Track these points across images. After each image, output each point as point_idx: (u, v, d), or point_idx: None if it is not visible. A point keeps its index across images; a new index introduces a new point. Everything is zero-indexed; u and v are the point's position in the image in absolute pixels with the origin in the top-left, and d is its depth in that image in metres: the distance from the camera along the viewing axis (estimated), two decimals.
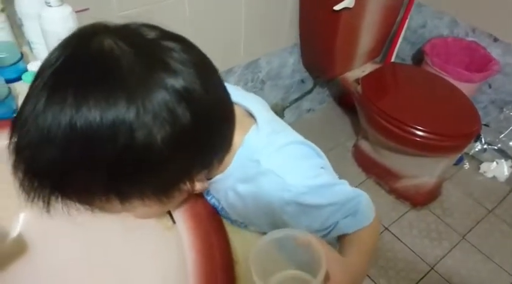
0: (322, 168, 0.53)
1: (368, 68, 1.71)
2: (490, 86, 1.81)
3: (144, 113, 0.37)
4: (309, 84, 1.91)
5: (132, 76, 0.37)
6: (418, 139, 1.42)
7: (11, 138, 0.40)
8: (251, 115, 0.53)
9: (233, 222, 0.62)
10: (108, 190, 0.41)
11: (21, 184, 0.40)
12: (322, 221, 0.52)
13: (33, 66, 0.79)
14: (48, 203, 0.41)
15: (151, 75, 0.38)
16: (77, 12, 0.75)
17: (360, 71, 1.69)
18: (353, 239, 0.53)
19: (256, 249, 0.43)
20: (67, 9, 0.72)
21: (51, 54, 0.39)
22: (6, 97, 0.70)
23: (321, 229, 0.53)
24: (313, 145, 0.54)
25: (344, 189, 0.54)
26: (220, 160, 0.50)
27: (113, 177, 0.39)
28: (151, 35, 0.41)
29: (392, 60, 1.87)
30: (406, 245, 1.56)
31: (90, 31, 0.40)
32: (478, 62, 1.74)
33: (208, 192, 0.62)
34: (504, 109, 1.79)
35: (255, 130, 0.51)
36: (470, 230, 1.62)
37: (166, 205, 0.50)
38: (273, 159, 0.50)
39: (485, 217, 1.66)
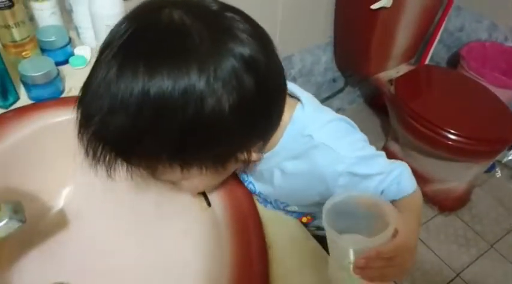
0: (365, 141, 0.56)
1: (402, 69, 1.69)
2: None
3: (215, 81, 0.38)
4: (340, 83, 1.90)
5: (203, 46, 0.39)
6: (450, 142, 1.40)
7: (79, 104, 0.42)
8: (292, 96, 0.55)
9: (271, 203, 0.63)
10: (174, 157, 0.43)
11: (87, 150, 0.43)
12: (371, 191, 0.54)
13: (80, 51, 0.82)
14: (112, 168, 0.44)
15: (221, 44, 0.40)
16: None
17: (394, 71, 1.68)
18: (401, 204, 0.54)
19: (326, 211, 0.45)
20: None
21: (118, 26, 0.41)
22: (55, 78, 0.73)
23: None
24: (352, 121, 0.57)
25: (386, 160, 0.56)
26: (274, 132, 0.51)
27: (180, 145, 0.41)
28: (215, 7, 0.43)
29: (427, 62, 1.84)
30: (432, 250, 1.53)
31: (157, 4, 0.41)
32: None
33: (244, 177, 0.63)
34: None
35: (301, 108, 0.53)
36: (499, 239, 1.58)
37: (219, 175, 0.52)
38: (324, 133, 0.52)
39: None
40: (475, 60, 1.69)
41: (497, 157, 1.57)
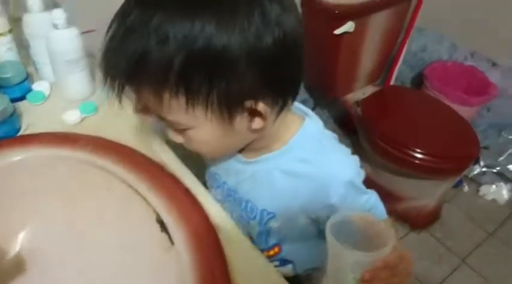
0: None
1: (369, 90, 1.73)
2: (488, 110, 1.82)
3: (235, 17, 0.43)
4: (310, 105, 1.93)
5: None
6: (417, 161, 1.42)
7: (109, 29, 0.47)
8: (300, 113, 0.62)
9: (252, 219, 0.64)
10: (180, 79, 0.45)
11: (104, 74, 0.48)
12: (360, 207, 0.58)
13: (38, 86, 0.80)
14: (122, 91, 0.48)
15: None
16: (84, 33, 0.76)
17: (360, 93, 1.71)
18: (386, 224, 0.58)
19: (329, 226, 0.47)
20: (74, 31, 0.73)
21: None
22: (11, 116, 0.71)
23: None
24: None
25: None
26: (281, 110, 0.53)
27: (187, 66, 0.43)
28: None
29: (392, 83, 1.89)
30: None
31: None
32: (477, 86, 1.76)
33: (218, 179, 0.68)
34: (502, 133, 1.80)
35: (310, 120, 0.60)
36: (470, 253, 1.60)
37: (225, 131, 0.52)
38: (332, 142, 0.60)
39: (486, 240, 1.65)
40: (437, 79, 1.74)
41: (464, 172, 1.61)
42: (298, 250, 0.70)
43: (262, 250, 0.67)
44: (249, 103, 0.49)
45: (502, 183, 1.79)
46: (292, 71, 0.51)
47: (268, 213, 0.63)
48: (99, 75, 0.88)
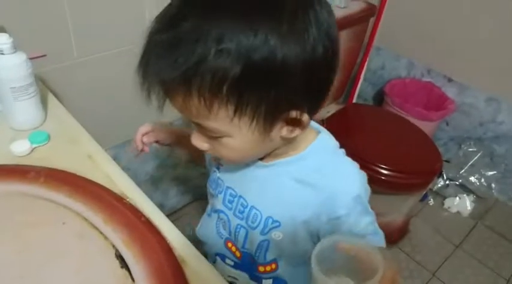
0: None
1: (332, 109, 1.74)
2: (447, 124, 1.88)
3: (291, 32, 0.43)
4: None
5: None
6: (383, 177, 1.43)
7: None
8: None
9: (254, 228, 0.63)
10: (233, 90, 0.44)
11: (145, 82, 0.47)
12: (362, 227, 0.57)
13: None
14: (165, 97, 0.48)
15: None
16: (33, 58, 0.72)
17: (324, 111, 1.72)
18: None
19: (315, 255, 0.44)
20: (21, 57, 0.69)
21: None
22: None
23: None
24: None
25: None
26: (319, 107, 0.53)
27: (243, 77, 0.42)
28: None
29: (354, 100, 1.93)
30: None
31: None
32: (435, 101, 1.82)
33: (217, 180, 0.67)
34: (462, 146, 1.85)
35: (324, 133, 0.62)
36: (439, 266, 1.62)
37: (261, 138, 0.51)
38: (345, 157, 0.61)
39: (453, 252, 1.68)
40: (397, 96, 1.79)
41: (429, 186, 1.64)
42: (295, 272, 0.68)
43: (258, 265, 0.67)
44: (294, 114, 0.49)
45: (464, 195, 1.83)
46: (332, 79, 0.51)
47: (273, 221, 0.61)
48: (50, 101, 0.83)
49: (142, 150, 0.77)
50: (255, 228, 0.62)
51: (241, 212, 0.64)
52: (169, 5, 0.47)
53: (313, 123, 0.62)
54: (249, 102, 0.45)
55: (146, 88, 0.48)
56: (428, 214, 1.83)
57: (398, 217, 1.64)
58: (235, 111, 0.46)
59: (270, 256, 0.66)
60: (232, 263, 0.73)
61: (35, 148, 0.72)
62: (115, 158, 0.84)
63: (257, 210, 0.62)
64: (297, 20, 0.44)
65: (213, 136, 0.51)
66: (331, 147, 0.62)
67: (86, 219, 0.61)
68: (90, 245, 0.59)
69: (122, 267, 0.56)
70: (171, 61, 0.43)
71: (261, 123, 0.48)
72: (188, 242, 0.60)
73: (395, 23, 1.79)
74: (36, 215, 0.63)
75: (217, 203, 0.68)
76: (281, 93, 0.46)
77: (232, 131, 0.49)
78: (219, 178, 0.68)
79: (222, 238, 0.70)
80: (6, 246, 0.59)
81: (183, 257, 0.58)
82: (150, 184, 1.49)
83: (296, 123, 0.51)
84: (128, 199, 0.64)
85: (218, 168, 0.69)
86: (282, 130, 0.52)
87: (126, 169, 0.75)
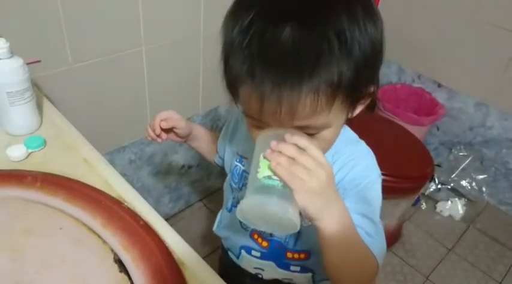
0: None
1: None
2: (438, 129, 1.91)
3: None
4: None
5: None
6: None
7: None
8: None
9: None
10: (350, 82, 0.45)
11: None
12: (364, 213, 0.57)
13: None
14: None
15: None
16: (28, 64, 0.72)
17: None
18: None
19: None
20: (18, 61, 0.69)
21: None
22: None
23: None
24: None
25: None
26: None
27: (360, 68, 0.45)
28: None
29: None
30: None
31: None
32: (426, 106, 1.84)
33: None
34: (453, 150, 1.88)
35: (346, 126, 0.63)
36: (433, 270, 1.63)
37: (342, 123, 0.53)
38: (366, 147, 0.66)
39: (446, 256, 1.69)
40: (389, 101, 1.81)
41: (421, 190, 1.65)
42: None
43: (286, 251, 0.69)
44: (372, 88, 0.52)
45: (456, 199, 1.85)
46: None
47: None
48: (46, 107, 0.83)
49: (158, 136, 0.73)
50: None
51: None
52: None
53: None
54: (356, 84, 0.47)
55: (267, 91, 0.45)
56: (421, 218, 1.84)
57: (391, 222, 1.65)
58: (346, 99, 0.48)
59: (301, 246, 0.67)
60: (258, 254, 0.73)
61: (31, 153, 0.71)
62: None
63: None
64: (369, 5, 0.49)
65: (312, 134, 0.50)
66: (354, 138, 0.67)
67: (83, 224, 0.61)
68: (88, 250, 0.58)
69: (120, 271, 0.56)
70: (295, 62, 0.44)
71: (353, 103, 0.50)
72: (187, 245, 0.60)
73: (385, 30, 1.81)
74: (33, 220, 0.62)
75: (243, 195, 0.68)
76: (369, 72, 0.49)
77: (334, 121, 0.50)
78: (244, 171, 0.69)
79: (248, 230, 0.71)
80: (2, 252, 0.58)
81: (183, 260, 0.57)
82: (143, 191, 1.49)
83: (368, 97, 0.54)
84: (125, 204, 0.64)
85: (241, 162, 0.70)
86: (358, 108, 0.54)
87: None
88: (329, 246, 0.49)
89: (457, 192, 1.87)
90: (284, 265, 0.72)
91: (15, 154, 0.69)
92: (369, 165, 0.62)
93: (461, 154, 1.84)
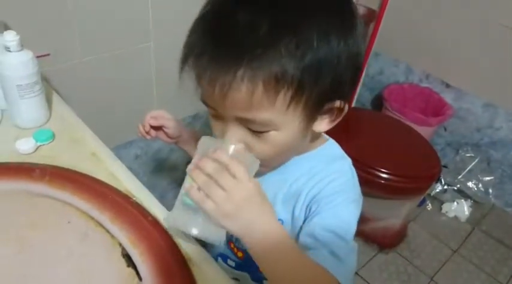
0: None
1: None
2: (445, 129, 1.89)
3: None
4: None
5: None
6: (382, 181, 1.44)
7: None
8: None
9: None
10: (295, 78, 0.44)
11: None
12: (335, 231, 0.53)
13: None
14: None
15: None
16: (37, 57, 0.72)
17: None
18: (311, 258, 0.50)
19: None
20: (28, 55, 0.69)
21: None
22: None
23: (316, 234, 0.53)
24: None
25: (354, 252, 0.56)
26: (349, 99, 0.55)
27: (306, 67, 0.44)
28: None
29: (353, 105, 1.93)
30: None
31: None
32: (433, 107, 1.83)
33: None
34: (460, 151, 1.87)
35: (332, 140, 0.64)
36: (437, 271, 1.62)
37: (301, 132, 0.52)
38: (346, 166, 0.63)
39: (451, 257, 1.68)
40: (396, 101, 1.80)
41: (427, 191, 1.64)
42: None
43: (229, 241, 0.69)
44: (338, 103, 0.51)
45: (462, 200, 1.84)
46: (358, 78, 0.54)
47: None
48: (54, 100, 0.83)
49: (147, 133, 0.74)
50: None
51: None
52: None
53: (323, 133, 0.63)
54: (305, 90, 0.46)
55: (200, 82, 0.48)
56: (426, 218, 1.83)
57: (397, 222, 1.65)
58: (292, 99, 0.46)
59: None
60: (233, 264, 0.72)
61: (39, 146, 0.71)
62: None
63: None
64: (345, 18, 0.48)
65: (256, 131, 0.50)
66: (339, 155, 0.64)
67: (91, 218, 0.61)
68: (96, 244, 0.58)
69: (128, 266, 0.56)
70: (236, 53, 0.44)
71: (309, 112, 0.49)
72: (194, 241, 0.60)
73: (394, 29, 1.81)
74: (41, 213, 0.62)
75: None
76: (332, 83, 0.47)
77: (282, 122, 0.49)
78: None
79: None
80: (11, 245, 0.59)
81: (190, 256, 0.57)
82: (148, 187, 1.48)
83: (337, 113, 0.53)
84: (134, 198, 0.64)
85: None
86: (322, 123, 0.53)
87: None
88: (259, 263, 0.49)
89: (463, 193, 1.86)
90: (258, 278, 0.71)
91: (24, 147, 0.69)
92: (347, 183, 0.60)
93: (468, 155, 1.83)
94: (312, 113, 0.50)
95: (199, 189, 0.46)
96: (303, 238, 0.54)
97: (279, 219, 0.61)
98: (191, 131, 0.80)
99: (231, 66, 0.43)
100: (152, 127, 0.73)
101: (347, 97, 0.53)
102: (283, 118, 0.48)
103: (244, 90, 0.44)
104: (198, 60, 0.46)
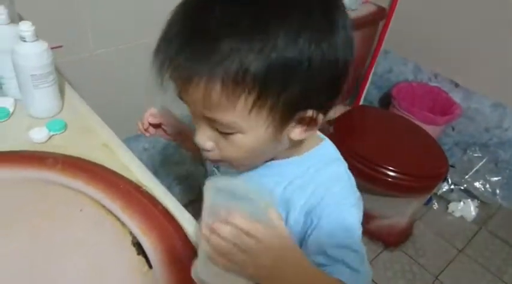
0: None
1: (339, 110, 1.75)
2: (453, 129, 1.89)
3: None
4: None
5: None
6: (389, 179, 1.44)
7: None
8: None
9: None
10: (257, 81, 0.43)
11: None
12: (344, 244, 0.52)
13: (2, 102, 0.75)
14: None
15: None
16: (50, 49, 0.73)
17: (332, 112, 1.73)
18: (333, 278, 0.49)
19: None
20: (43, 45, 0.70)
21: None
22: None
23: (329, 253, 0.52)
24: None
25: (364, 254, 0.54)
26: (330, 109, 0.53)
27: (268, 70, 0.43)
28: None
29: (361, 103, 1.93)
30: None
31: None
32: (442, 106, 1.82)
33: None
34: (467, 151, 1.86)
35: (327, 141, 0.62)
36: (442, 270, 1.62)
37: (271, 137, 0.50)
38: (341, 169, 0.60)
39: (456, 256, 1.68)
40: (404, 99, 1.79)
41: (434, 190, 1.64)
42: None
43: None
44: (310, 112, 0.49)
45: (469, 200, 1.84)
46: (345, 81, 0.51)
47: None
48: (67, 91, 0.84)
49: (146, 130, 0.74)
50: None
51: None
52: None
53: (318, 132, 0.62)
54: (270, 95, 0.45)
55: (163, 71, 0.47)
56: (432, 217, 1.83)
57: (402, 220, 1.65)
58: (254, 103, 0.45)
59: None
60: None
61: (52, 136, 0.72)
62: None
63: None
64: (324, 21, 0.45)
65: (222, 132, 0.49)
66: (334, 157, 0.62)
67: (103, 206, 0.62)
68: (107, 232, 0.60)
69: (138, 254, 0.57)
70: (201, 45, 0.43)
71: (277, 119, 0.47)
72: None
73: (403, 27, 1.80)
74: (53, 202, 0.63)
75: None
76: (302, 91, 0.45)
77: (247, 126, 0.48)
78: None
79: None
80: (25, 231, 0.60)
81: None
82: None
83: (311, 123, 0.51)
84: (144, 188, 0.65)
85: (218, 168, 0.68)
86: (295, 131, 0.51)
87: None
88: None
89: (469, 193, 1.86)
90: None
91: (38, 136, 0.70)
92: (345, 188, 0.58)
93: (475, 155, 1.82)
94: (282, 120, 0.48)
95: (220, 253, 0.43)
96: (315, 257, 0.52)
97: None
98: (192, 129, 0.81)
99: (192, 61, 0.43)
100: (151, 124, 0.73)
101: (322, 108, 0.50)
102: (247, 123, 0.47)
103: (203, 87, 0.44)
104: (168, 49, 0.46)
